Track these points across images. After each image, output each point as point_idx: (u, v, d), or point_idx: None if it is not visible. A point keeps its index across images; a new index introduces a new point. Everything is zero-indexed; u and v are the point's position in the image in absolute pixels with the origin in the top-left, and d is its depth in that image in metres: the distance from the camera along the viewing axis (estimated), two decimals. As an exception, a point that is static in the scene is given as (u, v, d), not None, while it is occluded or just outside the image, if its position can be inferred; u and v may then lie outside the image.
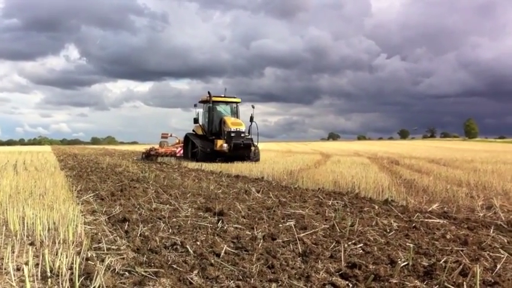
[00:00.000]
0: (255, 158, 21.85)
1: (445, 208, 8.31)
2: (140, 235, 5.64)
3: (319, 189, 11.00)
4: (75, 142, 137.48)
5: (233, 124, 21.80)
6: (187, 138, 24.18)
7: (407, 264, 4.45)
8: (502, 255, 4.86)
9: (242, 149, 21.47)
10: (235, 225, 6.27)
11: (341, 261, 4.60)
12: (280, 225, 6.37)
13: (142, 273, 4.18)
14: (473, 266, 4.22)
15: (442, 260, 4.58)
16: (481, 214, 7.67)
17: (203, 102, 23.80)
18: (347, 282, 4.05)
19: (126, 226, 6.12)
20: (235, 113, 23.76)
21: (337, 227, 6.23)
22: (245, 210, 7.54)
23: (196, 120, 23.72)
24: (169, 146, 26.56)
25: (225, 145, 21.19)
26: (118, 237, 5.54)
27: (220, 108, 23.55)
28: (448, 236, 5.86)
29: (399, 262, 4.45)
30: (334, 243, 5.34)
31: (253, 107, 24.83)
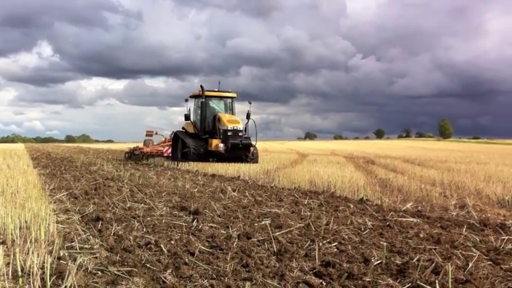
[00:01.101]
0: (254, 159, 19.83)
1: (419, 207, 8.41)
2: (114, 234, 5.58)
3: (295, 188, 11.03)
4: (49, 140, 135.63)
5: (230, 122, 19.66)
6: (176, 136, 21.96)
7: (381, 262, 4.48)
8: (474, 254, 4.92)
9: (240, 150, 19.35)
10: (211, 224, 6.25)
11: (315, 260, 4.61)
12: (256, 224, 6.37)
13: (115, 272, 4.13)
14: (446, 264, 4.26)
15: (415, 259, 4.62)
16: (454, 213, 7.78)
17: (194, 97, 21.63)
18: (321, 280, 4.05)
19: (100, 225, 6.05)
20: (230, 109, 21.49)
21: (312, 226, 6.24)
22: (221, 209, 7.52)
23: (187, 117, 21.34)
24: (155, 145, 24.64)
25: (221, 145, 19.04)
26: (91, 236, 5.46)
27: (214, 103, 21.35)
28: (421, 235, 5.92)
29: (372, 260, 4.48)
30: (309, 242, 5.35)
31: (249, 102, 21.53)
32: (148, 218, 6.61)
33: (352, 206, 8.27)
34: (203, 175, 14.37)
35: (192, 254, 4.73)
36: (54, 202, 7.83)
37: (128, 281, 3.93)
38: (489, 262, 4.69)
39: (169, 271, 4.20)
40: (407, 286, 3.89)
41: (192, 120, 21.22)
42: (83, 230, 5.73)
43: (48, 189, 9.44)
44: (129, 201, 8.09)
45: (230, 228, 5.96)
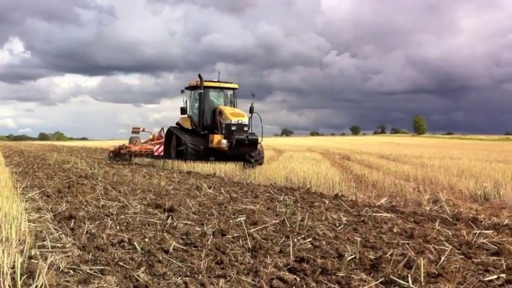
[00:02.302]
0: (259, 160, 17.54)
1: (393, 202, 8.50)
2: (87, 232, 5.51)
3: (271, 184, 11.06)
4: (22, 138, 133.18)
5: (233, 115, 17.34)
6: (170, 133, 19.73)
7: (355, 257, 4.51)
8: (447, 248, 4.99)
9: (246, 147, 16.83)
10: (185, 222, 6.21)
11: (290, 256, 4.62)
12: (231, 221, 6.35)
13: (87, 271, 4.08)
14: (418, 258, 4.31)
15: (388, 253, 4.66)
16: (428, 208, 7.87)
17: (191, 88, 19.18)
18: (295, 276, 4.06)
19: (72, 223, 5.96)
20: (231, 102, 19.07)
21: (287, 222, 6.26)
22: (196, 206, 7.48)
23: (183, 111, 18.83)
24: (143, 144, 22.51)
25: (224, 141, 16.67)
26: (63, 235, 5.39)
27: (213, 96, 18.95)
28: (395, 230, 5.98)
29: (346, 256, 4.50)
30: (283, 238, 5.36)
31: (253, 95, 19.19)
32: (122, 216, 6.55)
33: (327, 201, 8.31)
34: (179, 172, 14.30)
35: (166, 252, 4.69)
36: (26, 201, 7.70)
37: (100, 280, 3.88)
38: (461, 256, 4.76)
39: (142, 269, 4.16)
40: (380, 281, 3.92)
41: (188, 114, 18.89)
42: (55, 229, 5.64)
43: (20, 187, 9.27)
44: (102, 199, 8.00)
45: (205, 225, 5.93)
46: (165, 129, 21.40)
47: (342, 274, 4.05)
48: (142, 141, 22.80)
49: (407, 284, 3.82)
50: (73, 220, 6.14)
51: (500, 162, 18.56)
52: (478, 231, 5.78)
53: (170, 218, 6.40)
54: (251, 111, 18.17)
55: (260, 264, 4.35)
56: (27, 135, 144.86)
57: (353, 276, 4.02)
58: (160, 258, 4.46)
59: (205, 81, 18.19)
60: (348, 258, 4.44)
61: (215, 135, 17.20)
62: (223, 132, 17.07)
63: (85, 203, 7.57)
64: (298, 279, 3.99)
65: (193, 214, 6.82)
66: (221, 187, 10.07)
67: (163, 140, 21.03)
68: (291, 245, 4.95)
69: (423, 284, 3.85)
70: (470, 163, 17.16)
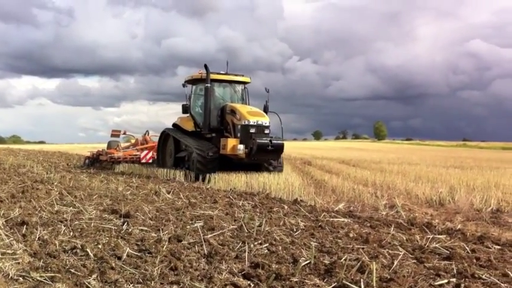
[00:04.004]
0: (279, 167, 14.91)
1: (351, 207, 8.60)
2: (39, 239, 5.38)
3: (231, 189, 11.03)
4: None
5: (251, 114, 14.20)
6: (166, 136, 16.64)
7: (309, 262, 4.53)
8: (400, 253, 5.07)
9: (269, 154, 13.88)
10: (141, 228, 6.13)
11: (245, 262, 4.60)
12: (188, 226, 6.30)
13: (38, 278, 3.98)
14: (372, 263, 4.35)
15: (343, 258, 4.69)
16: (384, 213, 8.00)
17: (194, 81, 15.98)
18: (249, 282, 4.06)
19: (24, 229, 5.81)
20: (243, 99, 15.90)
21: (245, 228, 6.24)
22: (153, 212, 7.39)
23: (186, 109, 15.75)
24: (127, 149, 19.51)
25: (241, 146, 13.51)
26: (15, 241, 5.23)
27: (218, 91, 15.72)
28: (351, 235, 6.04)
29: (301, 261, 4.52)
30: (240, 244, 5.35)
31: (267, 90, 15.84)
32: (77, 222, 6.41)
33: (286, 207, 8.34)
34: (138, 177, 14.11)
35: (119, 258, 4.62)
36: (-23, 206, 7.46)
37: (50, 287, 3.79)
38: (414, 260, 4.84)
39: (94, 276, 4.08)
40: (333, 286, 3.95)
41: (191, 113, 15.83)
42: (6, 235, 5.48)
43: (-29, 192, 8.99)
44: (57, 204, 7.82)
45: (161, 231, 5.86)
46: (150, 132, 19.96)
47: (295, 279, 4.06)
48: (122, 145, 19.96)
49: (359, 288, 3.85)
50: (25, 226, 5.98)
51: (456, 168, 19.02)
52: (431, 236, 5.88)
53: (126, 223, 6.30)
54: (265, 110, 15.25)
55: (215, 270, 4.32)
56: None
57: (307, 281, 4.04)
58: (113, 265, 4.39)
59: (212, 73, 15.07)
60: (303, 264, 4.45)
61: (229, 139, 13.97)
62: (238, 135, 14.00)
63: (39, 209, 7.38)
64: (252, 285, 3.98)
65: (150, 220, 6.73)
66: (180, 192, 9.98)
67: (150, 144, 19.06)
68: (247, 251, 4.94)
69: (375, 288, 3.89)
70: (427, 169, 17.54)
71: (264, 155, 13.76)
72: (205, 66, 14.77)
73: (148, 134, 19.98)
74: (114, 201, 8.41)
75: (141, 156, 17.81)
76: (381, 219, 7.36)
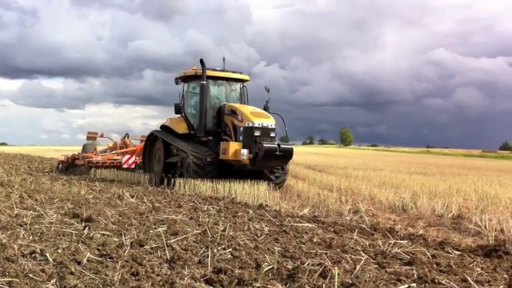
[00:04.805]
0: (281, 178, 13.48)
1: (316, 212, 8.64)
2: (-4, 243, 5.22)
3: (196, 194, 10.95)
4: None
5: (255, 115, 12.91)
6: (154, 139, 15.15)
7: (272, 267, 4.51)
8: (362, 258, 5.10)
9: (277, 160, 12.54)
10: (103, 232, 6.01)
11: (208, 267, 4.56)
12: (151, 231, 6.21)
13: (-6, 283, 3.85)
14: (334, 268, 4.37)
15: (306, 263, 4.70)
16: (348, 218, 8.06)
17: (186, 79, 14.51)
18: (211, 287, 4.02)
19: (-19, 234, 5.64)
20: (241, 99, 14.59)
21: (209, 232, 6.20)
22: (116, 216, 7.27)
23: (179, 109, 14.22)
24: (105, 153, 18.26)
25: (244, 151, 12.21)
26: (-30, 246, 5.07)
27: (213, 90, 14.34)
28: (314, 240, 6.06)
29: (263, 266, 4.50)
30: (203, 249, 5.30)
31: (267, 90, 14.46)
32: (36, 226, 6.25)
33: (251, 211, 8.32)
34: (101, 180, 13.89)
35: (79, 263, 4.51)
36: None
37: (6, 293, 3.68)
38: (375, 265, 4.87)
39: (52, 281, 3.97)
40: (295, 291, 3.94)
41: (184, 113, 14.38)
42: (-39, 239, 5.31)
43: None
44: (17, 207, 7.61)
45: (123, 236, 5.77)
46: (130, 135, 19.08)
47: (258, 285, 4.04)
48: (99, 149, 18.75)
49: (322, 293, 3.86)
50: (-18, 230, 5.80)
51: (419, 174, 19.33)
52: (393, 241, 5.94)
53: (87, 228, 6.17)
54: (266, 109, 14.04)
55: (177, 275, 4.27)
56: None
57: (269, 286, 4.03)
58: (73, 269, 4.28)
59: (209, 69, 13.75)
60: (266, 269, 4.43)
61: (231, 143, 12.60)
62: (240, 138, 12.71)
63: (-3, 212, 7.18)
64: (214, 291, 3.94)
65: (112, 224, 6.61)
66: (144, 196, 9.87)
67: (130, 148, 18.05)
68: (210, 256, 4.90)
69: (337, 293, 3.90)
70: (391, 175, 17.78)
71: (270, 161, 12.48)
72: (201, 62, 13.40)
73: (128, 137, 19.07)
74: (75, 205, 8.25)
75: (123, 161, 16.43)
76: (344, 224, 7.41)
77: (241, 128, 12.69)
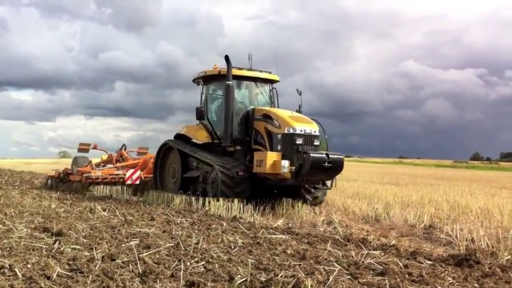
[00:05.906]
0: (321, 196, 11.70)
1: (290, 224, 8.65)
2: (-38, 259, 5.09)
3: (169, 206, 10.84)
4: None
5: (296, 120, 10.90)
6: (167, 150, 13.25)
7: (246, 280, 4.49)
8: (335, 269, 5.11)
9: (324, 173, 10.57)
10: (74, 246, 5.90)
11: (180, 280, 4.52)
12: (123, 245, 6.13)
13: (-42, 302, 3.75)
14: (307, 279, 4.37)
15: (279, 275, 4.69)
16: (322, 229, 8.10)
17: (208, 79, 12.60)
18: (184, 301, 3.97)
19: None
20: (272, 103, 12.56)
21: (182, 245, 6.14)
22: (87, 229, 7.16)
23: (201, 114, 12.10)
24: (101, 167, 16.10)
25: (285, 163, 10.24)
26: None
27: (239, 92, 12.43)
28: (288, 251, 6.06)
29: (236, 279, 4.48)
30: (176, 262, 5.24)
31: (299, 93, 12.31)
32: (5, 240, 6.11)
33: (225, 224, 8.28)
34: (72, 194, 13.67)
35: (49, 278, 4.43)
36: None
37: (-29, 311, 3.58)
38: (348, 276, 4.89)
39: (20, 298, 3.89)
40: (268, 303, 3.92)
41: (207, 119, 12.30)
42: None
43: None
44: (-15, 222, 7.45)
45: (94, 250, 5.67)
46: (127, 147, 17.31)
47: (231, 298, 4.02)
48: (94, 163, 16.28)
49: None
50: None
51: (392, 184, 19.56)
52: (366, 252, 5.98)
53: (57, 242, 6.05)
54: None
55: (149, 289, 4.21)
56: None
57: (242, 299, 4.00)
58: (42, 285, 4.21)
59: (235, 68, 11.77)
60: (238, 281, 4.41)
61: (268, 154, 10.56)
62: (278, 148, 10.72)
63: (-36, 227, 7.00)
64: (187, 305, 3.90)
65: (83, 238, 6.50)
66: (116, 209, 9.73)
67: (130, 162, 16.19)
68: (183, 269, 4.85)
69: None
70: (364, 185, 17.93)
71: (317, 175, 10.56)
72: (226, 58, 11.38)
73: (125, 149, 17.26)
74: (46, 219, 8.10)
75: (126, 176, 14.02)
76: (318, 235, 7.43)
77: (279, 136, 10.72)
